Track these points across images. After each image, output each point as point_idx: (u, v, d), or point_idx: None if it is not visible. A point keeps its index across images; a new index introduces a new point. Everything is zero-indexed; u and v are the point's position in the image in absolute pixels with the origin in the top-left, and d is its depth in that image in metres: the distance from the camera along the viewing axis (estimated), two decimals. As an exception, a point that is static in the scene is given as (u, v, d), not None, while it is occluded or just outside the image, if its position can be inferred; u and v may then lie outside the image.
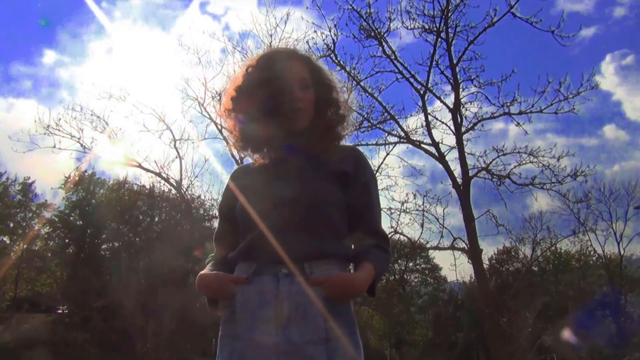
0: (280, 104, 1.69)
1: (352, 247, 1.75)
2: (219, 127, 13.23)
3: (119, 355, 12.25)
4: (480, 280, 11.56)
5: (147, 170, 13.31)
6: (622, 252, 32.29)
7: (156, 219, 28.13)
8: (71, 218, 28.37)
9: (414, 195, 12.16)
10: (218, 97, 13.22)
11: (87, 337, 11.62)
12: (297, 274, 1.60)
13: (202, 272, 1.75)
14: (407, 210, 12.01)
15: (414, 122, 12.76)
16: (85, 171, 15.44)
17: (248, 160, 1.95)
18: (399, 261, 35.72)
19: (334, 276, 1.60)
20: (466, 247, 11.01)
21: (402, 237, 13.85)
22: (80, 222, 28.21)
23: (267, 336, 1.55)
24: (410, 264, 37.70)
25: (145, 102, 13.23)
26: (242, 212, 1.71)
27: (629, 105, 70.40)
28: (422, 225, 11.86)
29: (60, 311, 27.70)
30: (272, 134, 1.71)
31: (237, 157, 13.16)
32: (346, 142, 1.92)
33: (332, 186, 1.70)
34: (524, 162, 11.30)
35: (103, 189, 30.61)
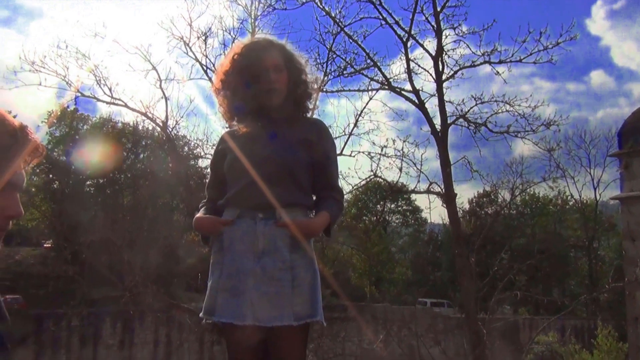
0: (259, 84, 2.16)
1: (314, 198, 2.26)
2: (204, 67, 13.24)
3: (109, 287, 12.79)
4: (452, 222, 12.16)
5: (133, 110, 13.30)
6: (597, 198, 33.30)
7: (141, 157, 28.28)
8: (55, 153, 28.42)
9: (394, 141, 12.43)
10: (204, 37, 13.16)
11: (77, 270, 12.05)
12: (270, 218, 2.10)
13: (197, 215, 2.25)
14: (387, 155, 12.29)
15: (397, 68, 12.79)
16: (67, 106, 15.38)
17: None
18: (381, 203, 36.47)
19: (298, 220, 2.11)
20: (441, 191, 11.46)
21: (381, 181, 14.20)
22: (64, 158, 28.28)
23: (247, 263, 2.07)
24: (392, 206, 38.51)
25: (130, 42, 13.08)
26: (229, 168, 2.20)
27: (618, 51, 70.09)
28: (400, 170, 12.18)
29: (47, 246, 28.20)
30: (253, 108, 2.19)
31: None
32: (313, 114, 2.41)
33: (299, 150, 2.16)
34: (500, 110, 11.62)
35: (87, 125, 30.54)
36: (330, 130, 2.47)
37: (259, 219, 2.10)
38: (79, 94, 12.48)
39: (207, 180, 2.46)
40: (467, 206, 34.69)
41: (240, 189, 2.14)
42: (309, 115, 2.34)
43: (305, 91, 2.28)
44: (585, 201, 34.40)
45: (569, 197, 35.62)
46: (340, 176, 2.53)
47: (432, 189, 11.88)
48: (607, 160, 29.87)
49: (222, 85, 2.26)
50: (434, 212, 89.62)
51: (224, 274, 2.11)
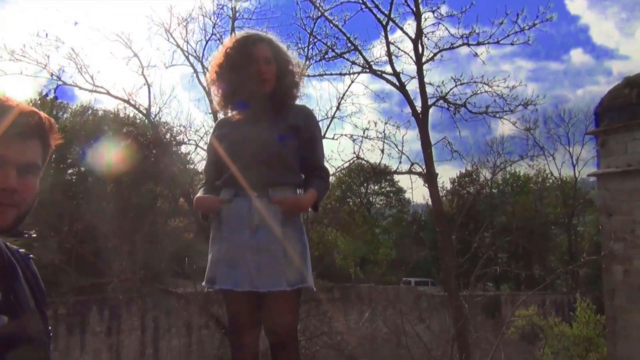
0: (250, 75, 2.38)
1: (302, 177, 2.49)
2: (186, 53, 13.22)
3: (97, 274, 12.82)
4: (434, 202, 12.42)
5: (116, 97, 13.24)
6: (577, 175, 33.80)
7: (122, 144, 28.03)
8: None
9: (375, 123, 12.58)
10: (184, 23, 13.11)
11: (64, 258, 12.05)
12: (263, 196, 2.32)
13: (197, 195, 2.50)
14: (369, 137, 12.45)
15: (377, 52, 12.91)
16: (47, 94, 15.21)
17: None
18: (364, 185, 36.66)
19: (288, 197, 2.35)
20: (423, 172, 11.68)
21: (363, 163, 14.36)
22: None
23: (243, 237, 2.30)
24: (375, 188, 38.73)
25: (111, 29, 13.01)
26: (225, 152, 2.41)
27: (596, 29, 70.65)
28: (382, 151, 12.36)
29: (28, 235, 27.90)
30: (245, 96, 2.41)
31: (205, 84, 13.26)
32: (301, 100, 2.65)
33: (288, 135, 2.39)
34: (479, 91, 11.83)
35: (66, 113, 30.18)
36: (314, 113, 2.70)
37: (254, 197, 2.31)
38: (61, 83, 12.41)
39: (205, 164, 2.73)
40: (449, 186, 35.07)
41: (236, 170, 2.35)
42: (296, 102, 2.57)
43: (293, 80, 2.50)
44: (564, 179, 34.94)
45: (549, 175, 36.16)
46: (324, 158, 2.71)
47: (413, 170, 12.13)
48: (585, 138, 30.36)
49: (216, 76, 2.48)
50: (417, 192, 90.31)
51: (223, 247, 2.35)
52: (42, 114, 1.24)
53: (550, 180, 36.48)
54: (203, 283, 2.41)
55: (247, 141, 2.36)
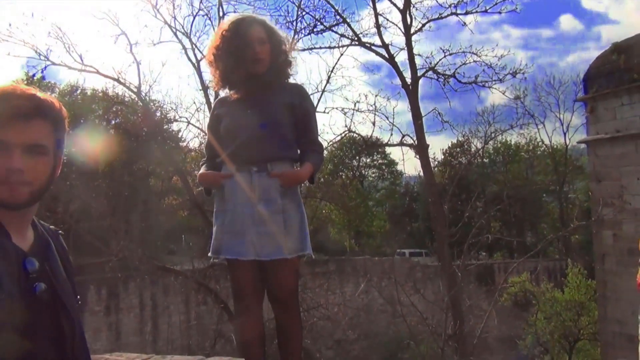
0: (245, 56, 2.51)
1: (298, 151, 2.64)
2: (174, 29, 13.11)
3: (95, 253, 12.89)
4: (426, 173, 12.54)
5: (105, 76, 13.14)
6: (567, 142, 33.90)
7: (113, 122, 27.87)
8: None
9: (366, 96, 12.62)
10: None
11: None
12: (262, 171, 2.47)
13: (200, 171, 2.66)
14: (360, 110, 12.46)
15: (366, 23, 12.88)
16: (33, 75, 15.10)
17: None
18: (356, 158, 36.68)
19: (287, 171, 2.51)
20: (414, 143, 11.75)
21: (355, 136, 14.40)
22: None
23: (246, 209, 2.46)
24: (368, 160, 38.78)
25: (98, 7, 12.85)
26: (225, 130, 2.57)
27: (585, -6, 70.14)
28: (373, 124, 12.40)
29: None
30: (242, 76, 2.53)
31: (194, 60, 13.20)
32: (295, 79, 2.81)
33: (284, 112, 2.53)
34: (468, 61, 11.85)
35: (54, 93, 29.89)
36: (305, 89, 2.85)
37: (254, 172, 2.47)
38: (49, 63, 12.31)
39: (205, 142, 2.89)
40: (440, 157, 35.15)
41: (236, 147, 2.50)
42: (289, 80, 2.70)
43: (286, 60, 2.63)
44: (555, 146, 35.06)
45: (540, 143, 36.27)
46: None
47: (405, 141, 12.19)
48: (575, 105, 30.40)
49: (214, 59, 2.61)
50: (409, 164, 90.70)
51: (227, 220, 2.52)
52: (43, 94, 1.33)
53: (542, 149, 36.57)
54: (209, 253, 2.57)
55: (245, 119, 2.50)
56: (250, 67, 2.51)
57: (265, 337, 2.71)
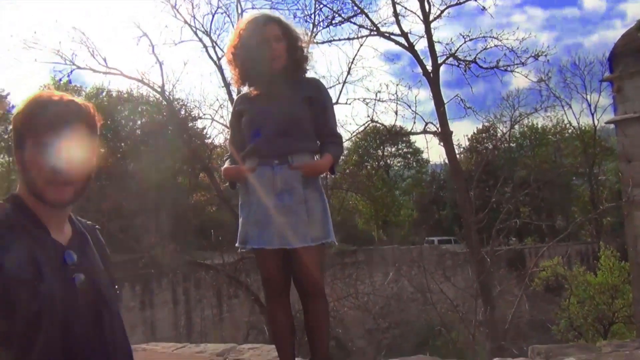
0: (263, 54, 2.60)
1: (318, 143, 2.74)
2: (194, 28, 13.26)
3: (129, 250, 13.18)
4: (450, 160, 12.45)
5: (129, 77, 13.43)
6: (595, 123, 33.19)
7: (139, 123, 28.28)
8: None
9: (387, 86, 12.58)
10: (190, -1, 13.10)
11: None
12: (284, 163, 2.57)
13: (224, 166, 2.77)
14: (382, 100, 12.44)
15: (384, 12, 12.83)
16: (60, 79, 15.47)
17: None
18: (381, 147, 36.53)
19: (307, 163, 2.61)
20: (437, 130, 11.69)
21: (378, 125, 14.38)
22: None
23: (269, 200, 2.56)
24: (392, 150, 38.60)
25: (120, 11, 13.10)
26: (246, 125, 2.69)
27: (609, -29, 68.36)
28: (396, 113, 12.37)
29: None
30: (260, 73, 2.63)
31: (215, 58, 13.32)
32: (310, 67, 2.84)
33: (303, 106, 2.65)
34: (489, 45, 11.71)
35: (81, 96, 30.35)
36: (324, 81, 2.93)
37: (276, 164, 2.58)
38: (75, 67, 12.59)
39: (228, 137, 3.02)
40: (465, 143, 34.75)
41: (258, 141, 2.61)
42: (306, 74, 2.80)
43: (302, 55, 2.72)
44: (583, 127, 34.36)
45: (568, 125, 35.59)
46: (337, 124, 3.03)
47: (428, 129, 12.13)
48: (602, 85, 29.71)
49: (232, 57, 2.72)
50: (434, 151, 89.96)
51: (252, 211, 2.63)
52: (80, 100, 1.43)
53: (570, 131, 35.86)
54: (236, 244, 2.68)
55: (266, 114, 2.61)
56: (268, 64, 2.60)
57: (296, 329, 2.83)
